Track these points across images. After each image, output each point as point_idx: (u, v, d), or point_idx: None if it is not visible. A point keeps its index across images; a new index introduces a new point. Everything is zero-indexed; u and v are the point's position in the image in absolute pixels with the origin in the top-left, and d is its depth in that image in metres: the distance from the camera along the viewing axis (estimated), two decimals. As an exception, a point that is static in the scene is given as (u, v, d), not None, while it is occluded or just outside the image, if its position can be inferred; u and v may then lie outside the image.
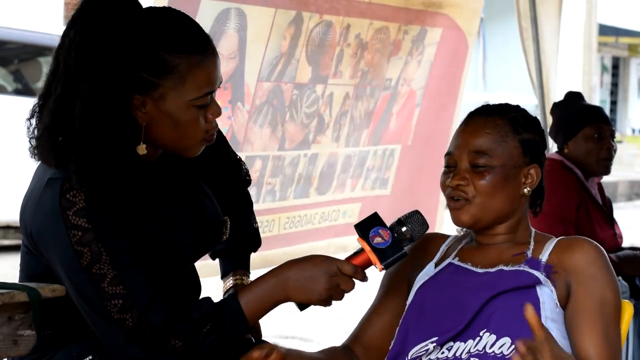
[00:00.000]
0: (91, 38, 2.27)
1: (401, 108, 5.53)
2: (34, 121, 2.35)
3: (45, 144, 2.31)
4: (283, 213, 5.00)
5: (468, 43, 5.67)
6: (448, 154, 2.53)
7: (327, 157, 5.16)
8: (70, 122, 2.27)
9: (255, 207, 4.70)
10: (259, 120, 4.68)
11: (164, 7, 2.40)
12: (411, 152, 5.63)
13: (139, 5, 2.34)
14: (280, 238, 4.93)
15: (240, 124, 4.58)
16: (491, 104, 2.59)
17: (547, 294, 2.41)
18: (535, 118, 2.57)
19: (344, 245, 5.27)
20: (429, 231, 2.60)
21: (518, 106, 2.57)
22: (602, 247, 2.47)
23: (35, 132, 2.34)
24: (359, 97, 5.20)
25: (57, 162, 2.29)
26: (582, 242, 2.47)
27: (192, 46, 2.33)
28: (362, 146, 5.36)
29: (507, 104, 2.57)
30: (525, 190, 2.51)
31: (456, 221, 2.50)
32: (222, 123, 4.33)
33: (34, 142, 2.34)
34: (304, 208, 5.14)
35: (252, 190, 4.66)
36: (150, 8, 2.36)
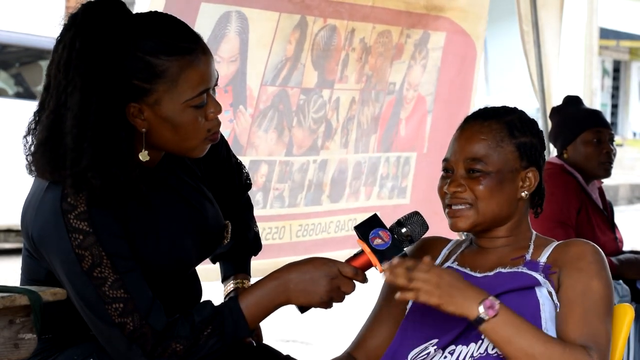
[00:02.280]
0: (78, 52, 2.27)
1: (410, 114, 5.50)
2: (29, 138, 2.35)
3: (41, 159, 2.31)
4: (294, 220, 4.96)
5: (476, 48, 5.66)
6: (445, 160, 2.54)
7: (337, 164, 5.14)
8: (62, 136, 2.27)
9: (263, 212, 4.71)
10: (263, 125, 4.67)
11: (150, 12, 2.40)
12: (427, 160, 5.60)
13: (128, 12, 2.34)
14: (292, 246, 4.87)
15: (243, 127, 4.57)
16: (488, 107, 2.57)
17: (545, 296, 2.40)
18: (533, 120, 2.56)
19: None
20: (432, 235, 2.60)
21: (515, 109, 2.56)
22: (598, 247, 2.46)
23: (31, 148, 2.34)
24: (365, 101, 5.19)
25: (53, 176, 2.30)
26: (578, 242, 2.47)
27: (180, 48, 2.33)
28: (372, 152, 5.34)
29: (504, 107, 2.56)
30: (523, 194, 2.50)
31: (454, 228, 2.50)
32: (224, 126, 4.31)
33: (30, 158, 2.35)
34: (317, 216, 5.10)
35: (258, 195, 4.65)
36: (136, 14, 2.36)
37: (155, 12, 2.41)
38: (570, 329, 2.35)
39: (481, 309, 2.26)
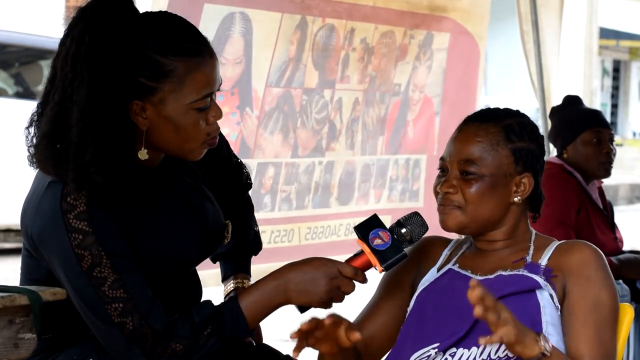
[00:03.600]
0: (87, 45, 2.27)
1: (418, 116, 5.50)
2: (32, 129, 2.35)
3: (43, 151, 2.31)
4: (303, 223, 4.93)
5: (479, 48, 5.66)
6: (441, 159, 2.54)
7: (344, 166, 5.12)
8: (67, 129, 2.27)
9: (271, 215, 4.69)
10: (269, 127, 4.66)
11: (160, 12, 2.40)
12: (437, 162, 5.60)
13: (136, 10, 2.34)
14: (301, 249, 4.82)
15: (250, 129, 4.56)
16: (490, 108, 2.56)
17: (547, 299, 2.40)
18: (533, 125, 2.53)
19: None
20: (433, 235, 2.60)
21: (517, 112, 2.54)
22: (600, 251, 2.46)
23: (34, 140, 2.34)
24: (369, 103, 5.19)
25: (55, 169, 2.29)
26: (580, 245, 2.47)
27: (189, 49, 2.33)
28: (380, 154, 5.33)
29: (505, 110, 2.54)
30: (516, 199, 2.48)
31: (443, 226, 2.50)
32: (231, 129, 4.32)
33: (32, 150, 2.34)
34: (326, 219, 5.08)
35: (266, 198, 4.65)
36: (145, 13, 2.37)
37: (165, 12, 2.41)
38: (584, 346, 2.36)
39: (542, 344, 2.22)
